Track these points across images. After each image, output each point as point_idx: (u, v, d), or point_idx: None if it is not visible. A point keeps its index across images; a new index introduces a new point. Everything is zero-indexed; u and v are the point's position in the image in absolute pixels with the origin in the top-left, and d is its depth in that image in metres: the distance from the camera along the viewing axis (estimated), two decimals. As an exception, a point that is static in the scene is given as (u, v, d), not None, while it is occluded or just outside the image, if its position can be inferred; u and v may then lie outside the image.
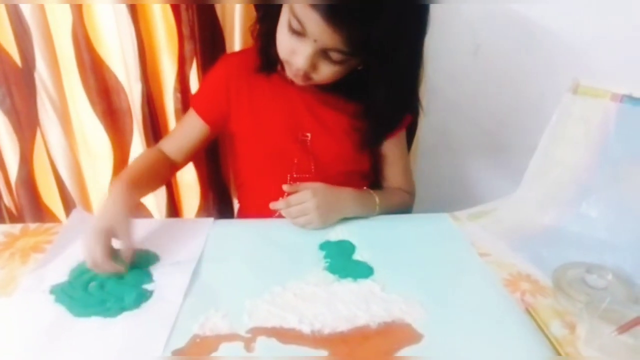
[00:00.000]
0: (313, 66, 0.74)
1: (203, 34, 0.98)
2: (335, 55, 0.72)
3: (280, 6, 0.74)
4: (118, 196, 0.72)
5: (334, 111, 0.87)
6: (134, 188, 0.76)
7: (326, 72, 0.76)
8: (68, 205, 1.14)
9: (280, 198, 0.82)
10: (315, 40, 0.70)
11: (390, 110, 0.83)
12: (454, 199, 0.96)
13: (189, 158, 0.95)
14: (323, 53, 0.72)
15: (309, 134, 0.87)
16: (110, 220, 0.68)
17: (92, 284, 0.65)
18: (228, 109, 0.89)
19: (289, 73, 0.79)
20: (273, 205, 0.82)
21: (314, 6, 0.67)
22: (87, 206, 1.17)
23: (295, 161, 0.88)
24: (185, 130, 0.92)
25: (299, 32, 0.71)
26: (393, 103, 0.81)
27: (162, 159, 0.89)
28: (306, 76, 0.76)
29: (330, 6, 0.66)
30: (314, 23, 0.68)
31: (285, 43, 0.74)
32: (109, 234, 0.67)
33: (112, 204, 0.71)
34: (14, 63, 1.00)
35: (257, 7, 0.86)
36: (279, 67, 0.85)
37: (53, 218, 1.18)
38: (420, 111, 0.93)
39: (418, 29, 0.73)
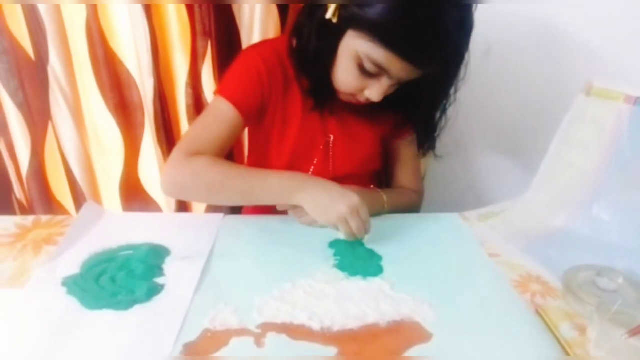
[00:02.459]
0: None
1: (219, 32, 0.98)
2: (407, 80, 0.74)
3: (335, 50, 0.74)
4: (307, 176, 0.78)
5: (358, 117, 0.88)
6: None
7: (389, 92, 0.77)
8: (78, 198, 1.15)
9: None
10: (399, 79, 0.72)
11: (435, 115, 0.85)
12: (464, 200, 0.96)
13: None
14: (397, 82, 0.74)
15: (332, 136, 0.88)
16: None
17: (104, 277, 0.66)
18: (263, 101, 0.84)
19: (347, 99, 0.81)
20: (280, 206, 0.82)
21: (404, 55, 0.68)
22: (98, 200, 1.17)
23: (315, 162, 0.88)
24: (222, 129, 0.81)
25: (375, 74, 0.72)
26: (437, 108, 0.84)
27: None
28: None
29: (422, 54, 0.68)
30: (400, 68, 0.70)
31: (355, 83, 0.75)
32: None
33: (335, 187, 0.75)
34: (28, 56, 1.01)
35: (303, 51, 0.78)
36: None
37: (63, 211, 1.19)
38: None
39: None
